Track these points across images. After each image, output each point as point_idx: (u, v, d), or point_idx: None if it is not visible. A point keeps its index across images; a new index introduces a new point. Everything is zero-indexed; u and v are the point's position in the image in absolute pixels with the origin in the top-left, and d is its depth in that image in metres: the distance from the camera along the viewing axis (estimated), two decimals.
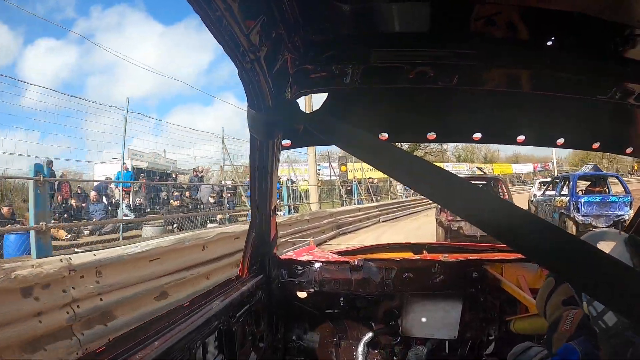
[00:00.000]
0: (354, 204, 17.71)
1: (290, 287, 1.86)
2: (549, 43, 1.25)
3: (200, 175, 13.23)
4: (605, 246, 1.01)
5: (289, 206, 13.43)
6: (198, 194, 12.04)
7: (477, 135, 1.62)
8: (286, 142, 1.58)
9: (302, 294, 1.92)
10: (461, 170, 33.76)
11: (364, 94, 1.53)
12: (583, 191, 10.00)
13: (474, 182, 9.88)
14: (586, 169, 11.38)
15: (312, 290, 1.85)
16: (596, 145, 1.67)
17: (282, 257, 1.92)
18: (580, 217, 9.09)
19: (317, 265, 1.87)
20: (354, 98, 1.54)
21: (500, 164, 42.17)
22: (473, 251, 2.29)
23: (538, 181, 18.83)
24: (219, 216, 11.09)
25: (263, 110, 1.20)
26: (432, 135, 1.64)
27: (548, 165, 42.70)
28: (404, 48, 1.29)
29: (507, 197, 9.29)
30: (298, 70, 1.29)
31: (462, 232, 8.20)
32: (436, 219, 9.75)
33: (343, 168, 19.20)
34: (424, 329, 1.89)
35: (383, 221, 15.65)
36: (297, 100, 1.41)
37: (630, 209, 8.97)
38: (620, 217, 8.88)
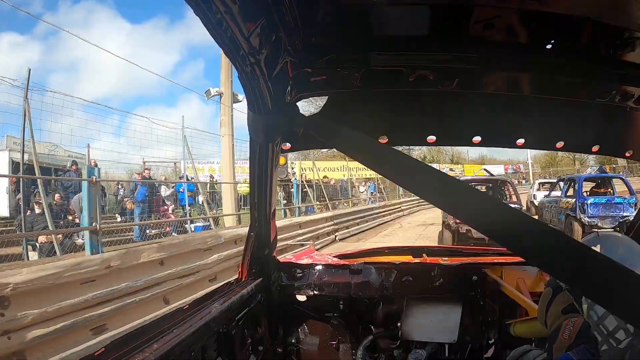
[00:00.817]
0: (295, 214, 11.67)
1: (290, 291, 1.85)
2: (549, 47, 1.25)
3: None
4: (623, 250, 1.00)
5: (205, 220, 9.47)
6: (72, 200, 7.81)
7: (477, 139, 1.62)
8: (286, 145, 1.58)
9: (301, 297, 1.91)
10: None
11: (364, 97, 1.53)
12: (588, 192, 10.00)
13: (481, 183, 9.78)
14: (591, 170, 11.36)
15: (312, 293, 1.85)
16: (596, 148, 1.67)
17: (281, 260, 1.92)
18: (587, 219, 9.05)
19: (317, 268, 1.87)
20: (354, 101, 1.54)
21: (470, 164, 38.72)
22: (473, 255, 2.29)
23: (537, 182, 18.79)
24: (41, 239, 6.53)
25: (263, 113, 1.20)
26: (432, 139, 1.64)
27: (519, 167, 41.45)
28: (404, 51, 1.29)
29: (515, 198, 9.25)
30: (298, 74, 1.29)
31: (471, 235, 8.08)
32: (443, 222, 9.63)
33: (282, 160, 13.32)
34: (424, 333, 1.88)
35: (341, 239, 10.91)
36: (297, 103, 1.41)
37: (635, 210, 8.94)
38: (625, 218, 8.87)
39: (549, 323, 1.05)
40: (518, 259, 1.82)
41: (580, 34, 1.19)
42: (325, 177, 17.26)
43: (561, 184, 11.34)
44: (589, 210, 9.08)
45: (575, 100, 1.45)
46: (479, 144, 1.64)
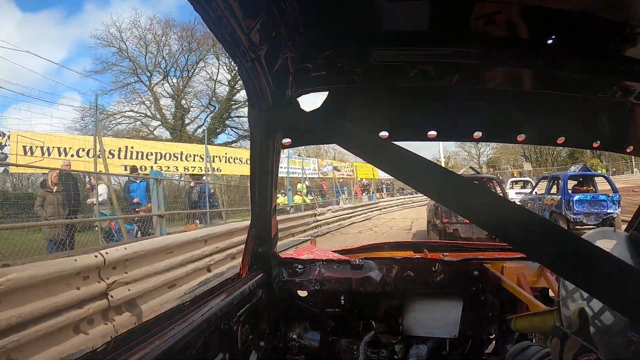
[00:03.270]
0: None
1: (291, 286, 1.86)
2: (550, 42, 1.26)
3: None
4: (606, 244, 1.01)
5: None
6: None
7: (478, 134, 1.62)
8: (286, 140, 1.58)
9: (302, 293, 1.92)
10: (307, 167, 21.82)
11: (365, 92, 1.53)
12: (571, 190, 10.15)
13: None
14: (575, 168, 11.55)
15: (313, 289, 1.85)
16: (596, 144, 1.68)
17: (282, 255, 1.91)
18: (572, 215, 9.30)
19: (318, 264, 1.87)
20: (355, 96, 1.54)
21: (362, 164, 27.08)
22: (474, 250, 2.30)
23: (510, 180, 19.26)
24: None
25: (264, 109, 1.20)
26: (432, 134, 1.64)
27: None
28: (405, 46, 1.29)
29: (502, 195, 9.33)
30: (299, 69, 1.29)
31: (458, 235, 8.14)
32: (429, 222, 9.61)
33: None
34: (425, 328, 1.89)
35: None
36: (298, 99, 1.39)
37: (618, 207, 9.20)
38: (609, 215, 9.11)
39: None
40: (519, 254, 1.83)
41: (581, 29, 1.19)
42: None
43: (542, 182, 11.63)
44: (575, 207, 9.29)
45: (576, 96, 1.45)
46: (480, 139, 1.65)
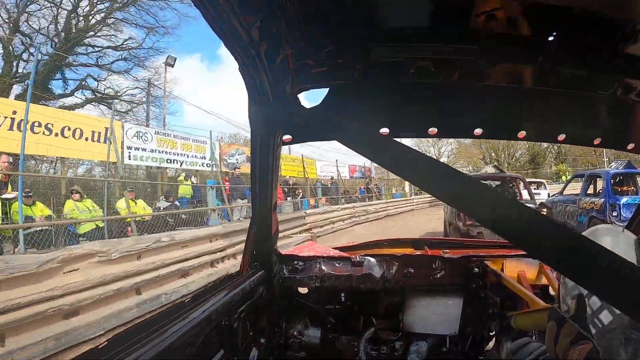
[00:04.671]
0: None
1: (292, 283, 1.86)
2: (551, 39, 1.25)
3: None
4: (609, 242, 1.00)
5: None
6: None
7: (478, 131, 1.62)
8: (287, 137, 1.58)
9: (303, 290, 1.93)
10: (199, 154, 12.83)
11: (365, 89, 1.53)
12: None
13: (492, 180, 9.28)
14: (618, 165, 9.29)
15: (314, 285, 1.85)
16: (597, 141, 1.67)
17: (283, 252, 1.92)
18: (619, 222, 7.30)
19: (318, 260, 1.87)
20: (355, 93, 1.54)
21: (290, 156, 18.82)
22: (474, 247, 2.29)
23: None
24: None
25: (264, 105, 1.21)
26: (433, 131, 1.64)
27: (370, 170, 25.49)
28: (405, 43, 1.29)
29: (529, 196, 8.71)
30: (299, 65, 1.30)
31: (483, 238, 7.79)
32: (449, 224, 8.93)
33: None
34: (425, 325, 1.89)
35: None
36: (298, 95, 1.41)
37: None
38: None
39: (560, 357, 1.05)
40: (519, 251, 1.82)
41: (582, 27, 1.19)
42: None
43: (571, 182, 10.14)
44: (622, 212, 7.50)
45: (577, 93, 1.45)
46: (480, 136, 1.65)
